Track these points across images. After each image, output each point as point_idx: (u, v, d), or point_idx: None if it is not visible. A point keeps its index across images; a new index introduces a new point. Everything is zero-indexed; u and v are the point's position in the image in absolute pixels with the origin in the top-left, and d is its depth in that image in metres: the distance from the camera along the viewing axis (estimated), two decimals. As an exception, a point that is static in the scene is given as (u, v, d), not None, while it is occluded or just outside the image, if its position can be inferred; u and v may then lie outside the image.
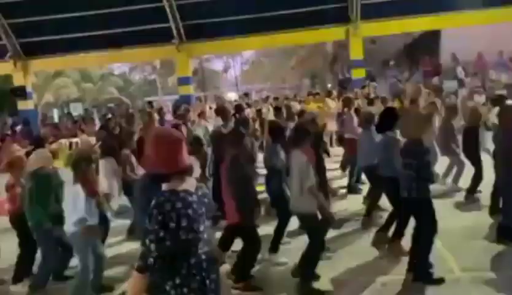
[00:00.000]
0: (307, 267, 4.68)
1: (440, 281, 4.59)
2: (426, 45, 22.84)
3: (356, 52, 18.16)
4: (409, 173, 4.58)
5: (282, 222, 5.58)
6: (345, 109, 8.97)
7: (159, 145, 2.42)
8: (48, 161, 5.16)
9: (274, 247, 5.54)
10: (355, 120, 8.26)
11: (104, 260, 5.07)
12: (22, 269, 5.48)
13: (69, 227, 4.66)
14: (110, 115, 15.71)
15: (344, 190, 8.29)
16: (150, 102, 19.92)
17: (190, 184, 2.48)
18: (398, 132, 5.60)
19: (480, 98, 13.28)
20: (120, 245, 6.64)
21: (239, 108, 10.04)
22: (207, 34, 18.10)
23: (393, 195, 5.46)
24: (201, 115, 11.79)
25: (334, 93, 15.97)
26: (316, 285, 4.71)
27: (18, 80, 19.97)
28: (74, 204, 4.57)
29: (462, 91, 15.13)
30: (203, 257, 2.44)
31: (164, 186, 2.42)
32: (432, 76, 18.39)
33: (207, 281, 2.43)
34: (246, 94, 19.96)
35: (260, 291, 4.76)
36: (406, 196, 4.71)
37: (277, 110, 10.01)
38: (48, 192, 4.96)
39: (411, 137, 4.78)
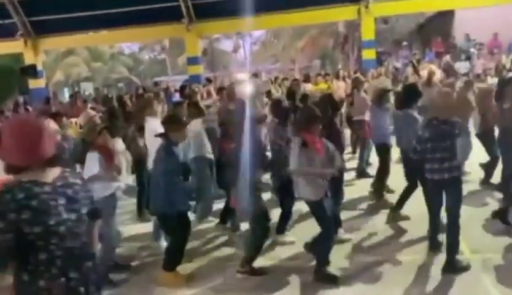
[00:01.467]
0: (320, 252, 4.70)
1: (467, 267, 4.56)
2: (439, 25, 22.47)
3: (367, 32, 17.92)
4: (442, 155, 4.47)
5: (286, 205, 5.59)
6: (355, 90, 8.83)
7: (14, 136, 2.25)
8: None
9: (281, 229, 5.58)
10: (365, 101, 8.15)
11: (117, 233, 5.16)
12: None
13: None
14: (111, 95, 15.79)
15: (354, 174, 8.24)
16: (156, 83, 19.90)
17: (50, 174, 2.30)
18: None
19: (493, 80, 13.08)
20: (133, 224, 6.72)
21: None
22: (217, 14, 17.93)
23: (410, 172, 5.56)
24: (209, 95, 11.77)
25: (342, 73, 15.76)
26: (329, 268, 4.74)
27: (28, 59, 20.03)
28: (88, 171, 4.63)
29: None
30: (58, 253, 2.22)
31: (19, 177, 2.26)
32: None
33: (63, 279, 2.23)
34: (256, 75, 19.81)
35: (265, 275, 4.78)
36: (437, 178, 4.58)
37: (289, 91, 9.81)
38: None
39: (447, 117, 4.51)
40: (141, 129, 6.48)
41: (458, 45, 18.91)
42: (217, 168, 6.59)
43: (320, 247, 4.71)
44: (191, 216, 5.57)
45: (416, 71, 12.54)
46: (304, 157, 4.51)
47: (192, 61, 19.60)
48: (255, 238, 4.87)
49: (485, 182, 6.98)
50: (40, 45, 20.13)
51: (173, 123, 4.83)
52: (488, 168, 6.98)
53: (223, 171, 5.82)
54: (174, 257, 4.78)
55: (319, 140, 4.64)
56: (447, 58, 16.53)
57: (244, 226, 5.75)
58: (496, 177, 6.64)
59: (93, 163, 4.66)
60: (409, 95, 5.74)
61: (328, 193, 4.69)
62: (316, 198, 4.58)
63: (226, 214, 5.96)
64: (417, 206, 5.56)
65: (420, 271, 4.59)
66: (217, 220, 6.16)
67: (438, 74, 9.81)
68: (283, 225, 5.61)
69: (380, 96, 6.72)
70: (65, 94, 25.90)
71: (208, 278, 4.82)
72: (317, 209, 4.65)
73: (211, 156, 6.52)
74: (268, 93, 11.56)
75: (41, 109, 15.32)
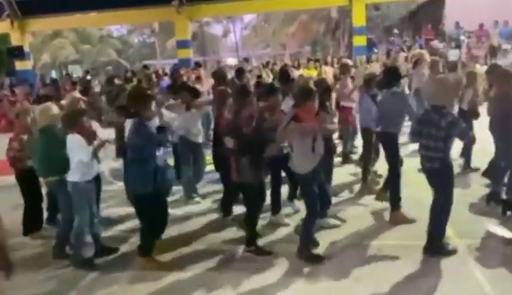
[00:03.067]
0: (303, 231, 4.75)
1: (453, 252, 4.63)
2: (430, 12, 22.51)
3: (358, 19, 17.90)
4: (427, 143, 4.49)
5: (274, 181, 5.61)
6: (342, 76, 8.79)
7: None
8: (55, 118, 5.13)
9: (275, 209, 5.61)
10: (351, 87, 8.17)
11: (98, 220, 5.11)
12: (31, 221, 5.77)
13: (70, 176, 4.73)
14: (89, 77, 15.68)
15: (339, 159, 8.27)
16: (145, 66, 19.69)
17: None
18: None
19: (481, 68, 13.18)
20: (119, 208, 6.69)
21: (239, 72, 9.86)
22: (208, -4, 17.79)
23: (393, 153, 5.53)
24: (198, 79, 11.71)
25: (330, 59, 15.75)
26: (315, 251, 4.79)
27: (15, 40, 19.70)
28: (74, 154, 4.64)
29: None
30: None
31: None
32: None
33: None
34: (246, 60, 19.71)
35: (271, 255, 4.81)
36: (422, 165, 4.62)
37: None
38: (58, 148, 4.94)
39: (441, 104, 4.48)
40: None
41: (448, 32, 18.99)
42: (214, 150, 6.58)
43: (303, 226, 4.75)
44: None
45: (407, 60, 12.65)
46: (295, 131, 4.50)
47: (182, 44, 19.43)
48: (249, 217, 4.89)
49: (467, 167, 7.13)
50: (27, 26, 19.80)
51: (139, 100, 4.69)
52: (465, 153, 7.14)
53: (219, 151, 5.74)
54: (145, 242, 4.71)
55: (315, 116, 4.60)
56: (434, 43, 16.61)
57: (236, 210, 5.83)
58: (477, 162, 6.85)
59: (76, 147, 4.64)
60: (390, 76, 5.75)
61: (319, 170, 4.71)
62: (304, 172, 4.57)
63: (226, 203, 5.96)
64: (405, 190, 5.61)
65: (406, 254, 4.65)
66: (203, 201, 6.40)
67: (427, 58, 9.86)
68: (275, 204, 5.63)
69: (368, 81, 6.73)
70: (53, 76, 25.55)
71: (203, 261, 4.84)
72: (303, 185, 4.68)
73: (198, 140, 6.62)
74: (258, 78, 11.52)
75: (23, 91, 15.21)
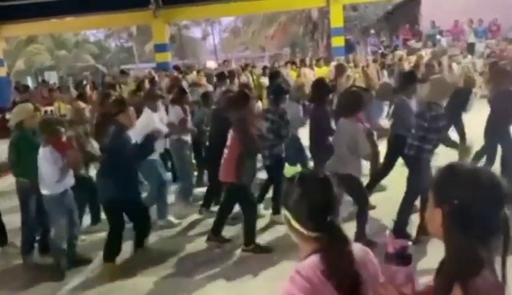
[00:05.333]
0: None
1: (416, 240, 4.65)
2: (406, 12, 22.78)
3: (336, 20, 18.00)
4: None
5: (277, 182, 5.78)
6: (337, 77, 8.78)
7: None
8: (28, 114, 4.98)
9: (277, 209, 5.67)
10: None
11: (78, 228, 5.02)
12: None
13: (42, 188, 4.62)
14: (85, 82, 15.30)
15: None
16: (122, 71, 19.32)
17: None
18: None
19: (457, 67, 13.36)
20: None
21: (221, 76, 9.82)
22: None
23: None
24: (197, 85, 11.58)
25: (308, 61, 15.74)
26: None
27: (-12, 47, 19.26)
28: (44, 167, 4.50)
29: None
30: None
31: None
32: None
33: None
34: (225, 62, 19.63)
35: (270, 253, 4.82)
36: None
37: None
38: (31, 148, 4.79)
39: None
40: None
41: (424, 32, 19.24)
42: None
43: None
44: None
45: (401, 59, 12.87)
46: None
47: (160, 48, 19.25)
48: (246, 218, 4.94)
49: None
50: (0, 32, 19.35)
51: (117, 106, 4.68)
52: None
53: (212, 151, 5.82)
54: (108, 247, 4.64)
55: None
56: (412, 42, 16.82)
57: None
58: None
59: (46, 159, 4.50)
60: (408, 80, 5.88)
61: None
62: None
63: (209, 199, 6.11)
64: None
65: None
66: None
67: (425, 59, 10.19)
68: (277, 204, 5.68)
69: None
70: (28, 83, 25.04)
71: (202, 261, 4.78)
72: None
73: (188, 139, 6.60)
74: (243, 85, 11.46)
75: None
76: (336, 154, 4.79)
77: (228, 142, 4.89)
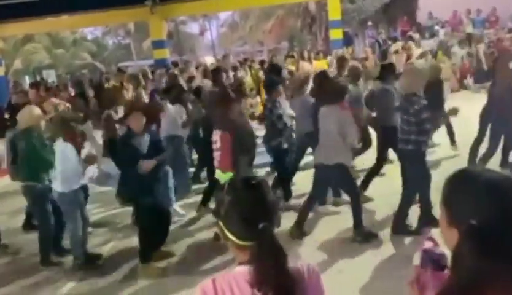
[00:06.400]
0: None
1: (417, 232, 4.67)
2: (404, 4, 22.68)
3: (334, 12, 17.92)
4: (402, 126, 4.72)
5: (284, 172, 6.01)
6: (340, 69, 8.72)
7: None
8: (38, 120, 4.96)
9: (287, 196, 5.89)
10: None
11: (88, 224, 5.05)
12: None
13: (57, 186, 4.61)
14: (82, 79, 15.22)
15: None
16: (120, 70, 19.18)
17: None
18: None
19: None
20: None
21: (216, 71, 9.75)
22: (182, -5, 17.58)
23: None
24: (191, 79, 11.50)
25: (307, 54, 15.68)
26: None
27: (-15, 46, 19.19)
28: (65, 163, 4.49)
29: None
30: None
31: None
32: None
33: None
34: (224, 57, 19.53)
35: None
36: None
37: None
38: (39, 151, 4.80)
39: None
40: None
41: (422, 23, 19.18)
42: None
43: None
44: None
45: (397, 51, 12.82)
46: None
47: (157, 44, 19.18)
48: None
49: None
50: (-3, 31, 19.30)
51: (128, 110, 4.71)
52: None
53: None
54: (142, 249, 4.64)
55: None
56: (410, 34, 16.75)
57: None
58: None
59: (65, 155, 4.52)
60: (387, 71, 6.02)
61: None
62: None
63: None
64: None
65: (389, 246, 4.65)
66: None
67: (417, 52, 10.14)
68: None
69: (356, 74, 6.80)
70: (26, 83, 24.97)
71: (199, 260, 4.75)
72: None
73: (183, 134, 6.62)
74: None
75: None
76: (323, 144, 4.78)
77: (218, 144, 4.80)
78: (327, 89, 4.99)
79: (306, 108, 5.92)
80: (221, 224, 1.46)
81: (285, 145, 5.76)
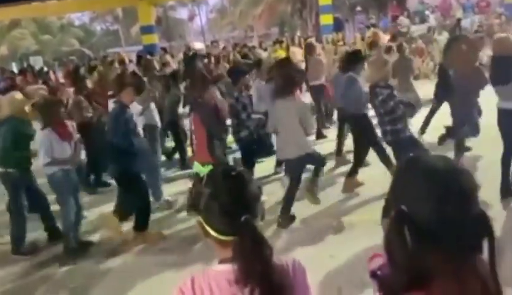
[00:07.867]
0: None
1: None
2: (394, -11, 22.62)
3: (324, -3, 17.81)
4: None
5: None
6: (308, 56, 8.68)
7: None
8: (20, 106, 4.88)
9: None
10: (321, 63, 8.16)
11: (81, 209, 5.00)
12: None
13: (45, 169, 4.58)
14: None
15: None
16: (105, 57, 18.89)
17: None
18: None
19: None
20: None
21: (192, 57, 9.69)
22: (170, -20, 17.33)
23: (357, 134, 5.64)
24: (166, 65, 11.41)
25: (297, 39, 15.61)
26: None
27: (-31, 32, 18.82)
28: (47, 148, 4.45)
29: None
30: None
31: None
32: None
33: None
34: (213, 43, 19.40)
35: None
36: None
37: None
38: (22, 139, 4.73)
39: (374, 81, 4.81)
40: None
41: (412, 9, 19.17)
42: None
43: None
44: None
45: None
46: None
47: (146, 30, 18.96)
48: None
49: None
50: (-18, 16, 18.94)
51: (118, 85, 4.79)
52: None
53: None
54: (141, 218, 4.81)
55: None
56: (401, 19, 16.74)
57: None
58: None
59: (48, 143, 4.47)
60: (352, 59, 5.76)
61: None
62: None
63: None
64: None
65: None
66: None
67: (384, 39, 10.04)
68: None
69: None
70: (14, 69, 24.62)
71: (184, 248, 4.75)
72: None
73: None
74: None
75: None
76: (284, 139, 4.76)
77: (192, 126, 4.93)
78: (278, 81, 4.92)
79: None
80: (200, 219, 1.38)
81: (246, 134, 5.56)
